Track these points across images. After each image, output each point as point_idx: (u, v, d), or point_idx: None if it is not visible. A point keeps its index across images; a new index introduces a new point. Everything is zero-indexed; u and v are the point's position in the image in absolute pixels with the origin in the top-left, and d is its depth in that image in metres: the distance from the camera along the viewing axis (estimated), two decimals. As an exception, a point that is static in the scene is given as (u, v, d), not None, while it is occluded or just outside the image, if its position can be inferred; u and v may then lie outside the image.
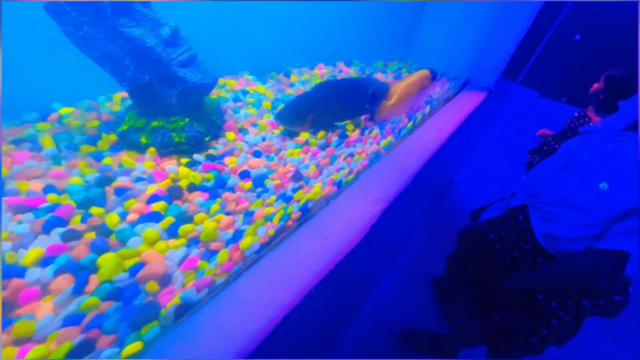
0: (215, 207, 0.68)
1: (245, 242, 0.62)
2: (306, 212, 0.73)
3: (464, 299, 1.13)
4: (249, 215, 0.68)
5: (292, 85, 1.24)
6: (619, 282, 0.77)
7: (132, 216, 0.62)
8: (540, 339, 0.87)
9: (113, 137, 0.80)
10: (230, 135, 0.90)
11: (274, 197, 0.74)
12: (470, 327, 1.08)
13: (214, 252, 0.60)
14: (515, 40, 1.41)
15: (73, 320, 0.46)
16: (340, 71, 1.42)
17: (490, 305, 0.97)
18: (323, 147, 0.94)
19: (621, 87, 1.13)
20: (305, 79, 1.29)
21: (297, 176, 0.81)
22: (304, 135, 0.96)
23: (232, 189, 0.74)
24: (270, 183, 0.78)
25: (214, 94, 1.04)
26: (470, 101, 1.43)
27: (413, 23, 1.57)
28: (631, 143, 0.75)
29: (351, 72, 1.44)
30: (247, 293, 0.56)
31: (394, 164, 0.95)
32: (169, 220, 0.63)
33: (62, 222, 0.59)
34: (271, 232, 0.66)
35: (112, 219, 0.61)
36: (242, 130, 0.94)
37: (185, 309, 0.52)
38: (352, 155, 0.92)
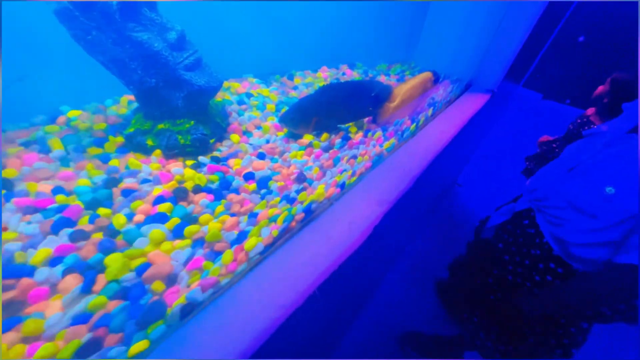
0: (220, 208, 0.69)
1: (250, 243, 0.62)
2: (310, 214, 0.74)
3: (476, 309, 1.12)
4: (253, 216, 0.69)
5: (295, 87, 1.25)
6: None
7: (139, 217, 0.63)
8: (564, 351, 0.87)
9: (120, 140, 0.81)
10: (235, 137, 0.91)
11: (277, 199, 0.75)
12: (481, 336, 1.07)
13: (219, 253, 0.61)
14: (519, 42, 1.42)
15: (81, 319, 0.47)
16: (344, 74, 1.43)
17: (507, 326, 0.96)
18: (326, 149, 0.94)
19: (627, 90, 1.12)
20: (309, 82, 1.30)
21: (300, 178, 0.81)
22: (308, 138, 0.97)
23: (237, 191, 0.75)
24: (274, 185, 0.78)
25: (219, 96, 1.05)
26: (473, 103, 1.43)
27: (416, 25, 1.58)
28: (636, 146, 0.74)
29: (354, 75, 1.45)
30: (251, 293, 0.56)
31: (397, 166, 0.95)
32: (175, 221, 0.64)
33: (71, 222, 0.60)
34: (275, 233, 0.66)
35: (119, 220, 0.62)
36: (246, 133, 0.95)
37: (190, 309, 0.52)
38: (355, 157, 0.93)
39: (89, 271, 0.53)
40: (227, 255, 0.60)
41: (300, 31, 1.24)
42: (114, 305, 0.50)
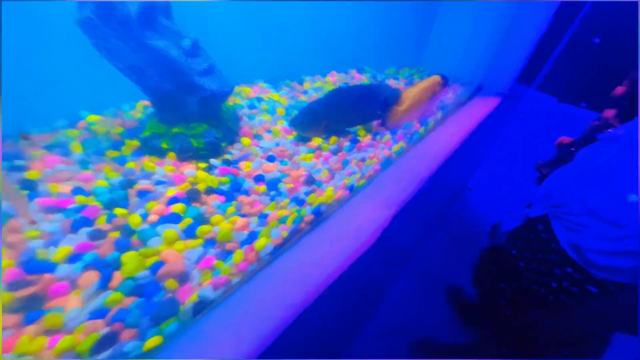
0: (231, 209, 0.71)
1: (260, 243, 0.63)
2: (319, 215, 0.75)
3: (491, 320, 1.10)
4: (263, 217, 0.70)
5: (305, 92, 1.27)
6: None
7: (153, 217, 0.66)
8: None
9: (136, 143, 0.84)
10: (246, 140, 0.93)
11: (287, 200, 0.76)
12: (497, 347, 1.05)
13: (230, 253, 0.62)
14: (530, 44, 1.40)
15: (99, 313, 0.49)
16: (353, 78, 1.45)
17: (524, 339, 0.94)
18: (335, 152, 0.95)
19: None
20: (318, 86, 1.32)
21: (309, 180, 0.82)
22: (317, 141, 0.98)
23: (247, 192, 0.77)
24: (283, 187, 0.80)
25: (230, 101, 1.08)
26: (483, 107, 1.42)
27: (424, 29, 1.58)
28: None
29: (363, 79, 1.46)
30: (261, 293, 0.57)
31: (406, 169, 0.95)
32: (188, 221, 0.66)
33: (89, 222, 0.62)
34: (285, 234, 0.67)
35: (135, 220, 0.64)
36: (256, 136, 0.97)
37: (202, 307, 0.54)
38: (363, 160, 0.93)
39: (106, 268, 0.55)
40: (238, 255, 0.61)
41: (309, 36, 1.27)
42: (130, 301, 0.52)
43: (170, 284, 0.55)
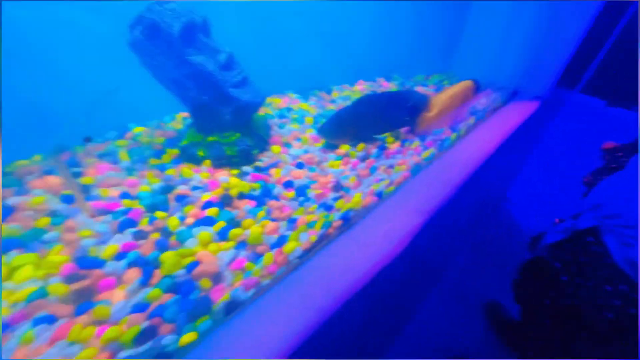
0: (261, 213, 0.73)
1: (289, 246, 0.65)
2: (347, 221, 0.75)
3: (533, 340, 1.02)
4: (292, 222, 0.72)
5: (333, 101, 1.29)
6: None
7: (190, 220, 0.69)
8: None
9: (175, 152, 0.90)
10: (276, 148, 0.96)
11: (315, 206, 0.77)
12: None
13: (260, 255, 0.64)
14: (573, 44, 1.31)
15: (140, 308, 0.52)
16: (380, 86, 1.45)
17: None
18: (363, 159, 0.95)
19: None
20: (346, 95, 1.34)
21: (337, 186, 0.83)
22: (344, 148, 0.99)
23: (277, 198, 0.79)
24: (311, 193, 0.81)
25: (262, 111, 1.12)
26: (519, 112, 1.35)
27: (454, 33, 1.55)
28: None
29: (391, 87, 1.46)
30: (290, 295, 0.58)
31: (437, 176, 0.93)
32: (221, 224, 0.69)
33: (134, 223, 0.67)
34: (313, 238, 0.68)
35: (173, 222, 0.68)
36: (286, 144, 1.00)
37: (234, 306, 0.55)
38: (392, 166, 0.92)
39: (148, 266, 0.59)
40: (268, 258, 0.62)
41: (337, 46, 1.30)
42: (168, 298, 0.55)
43: (205, 283, 0.58)
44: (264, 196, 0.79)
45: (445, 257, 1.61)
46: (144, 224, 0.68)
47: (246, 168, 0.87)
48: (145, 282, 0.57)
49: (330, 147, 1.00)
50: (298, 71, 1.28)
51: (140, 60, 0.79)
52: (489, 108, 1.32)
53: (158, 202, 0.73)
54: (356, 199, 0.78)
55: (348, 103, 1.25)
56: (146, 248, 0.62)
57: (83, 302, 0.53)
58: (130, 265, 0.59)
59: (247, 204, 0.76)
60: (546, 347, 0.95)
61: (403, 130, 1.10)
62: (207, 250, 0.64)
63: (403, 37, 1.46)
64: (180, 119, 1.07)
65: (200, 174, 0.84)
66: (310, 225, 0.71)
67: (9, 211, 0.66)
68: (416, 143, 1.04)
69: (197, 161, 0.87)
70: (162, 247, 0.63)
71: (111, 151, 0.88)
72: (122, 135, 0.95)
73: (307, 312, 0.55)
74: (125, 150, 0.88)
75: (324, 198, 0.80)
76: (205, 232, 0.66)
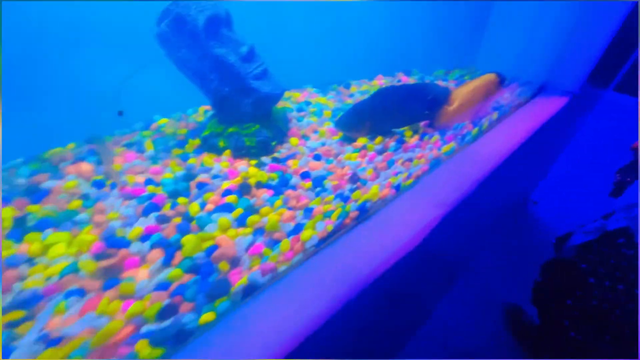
0: (278, 202, 0.74)
1: (305, 234, 0.65)
2: (364, 212, 0.74)
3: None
4: (308, 211, 0.72)
5: (351, 95, 1.29)
6: None
7: (210, 206, 0.71)
8: None
9: (197, 142, 0.93)
10: (294, 140, 0.97)
11: (331, 196, 0.77)
12: None
13: (277, 242, 0.65)
14: (605, 38, 1.25)
15: (162, 286, 0.55)
16: (399, 81, 1.43)
17: None
18: (380, 152, 0.94)
19: None
20: (365, 90, 1.33)
21: (354, 178, 0.83)
22: (362, 141, 0.98)
23: (294, 188, 0.80)
24: (328, 184, 0.81)
25: (281, 105, 1.14)
26: (547, 107, 1.29)
27: (478, 26, 1.50)
28: None
29: (410, 82, 1.43)
30: (306, 281, 0.58)
31: (457, 170, 0.91)
32: (239, 211, 0.70)
33: (157, 208, 0.70)
34: (330, 227, 0.68)
35: (194, 208, 0.70)
36: (304, 137, 1.01)
37: (251, 289, 0.56)
38: (410, 160, 0.91)
39: (170, 248, 0.61)
40: (285, 244, 0.63)
41: (356, 41, 1.29)
42: (188, 278, 0.57)
43: (223, 265, 0.59)
44: (281, 186, 0.80)
45: (466, 257, 1.57)
46: (166, 209, 0.70)
47: (265, 159, 0.89)
48: (167, 263, 0.59)
49: (348, 140, 1.00)
50: (317, 66, 1.28)
51: (166, 52, 0.82)
52: (514, 103, 1.27)
53: (180, 189, 0.76)
54: (373, 190, 0.78)
55: (366, 97, 1.24)
56: (168, 231, 0.65)
57: (110, 278, 0.55)
58: (154, 246, 0.61)
59: (264, 193, 0.77)
60: (562, 347, 0.90)
61: (422, 124, 1.08)
62: (225, 235, 0.65)
63: (424, 31, 1.43)
64: (202, 112, 1.10)
65: (220, 163, 0.86)
66: (326, 215, 0.71)
67: (44, 193, 0.71)
68: (436, 137, 1.02)
69: (217, 151, 0.90)
70: (183, 230, 0.65)
71: (137, 141, 0.92)
72: (148, 127, 1.00)
73: (322, 299, 0.55)
74: (150, 140, 0.92)
75: (341, 189, 0.80)
76: (224, 218, 0.67)
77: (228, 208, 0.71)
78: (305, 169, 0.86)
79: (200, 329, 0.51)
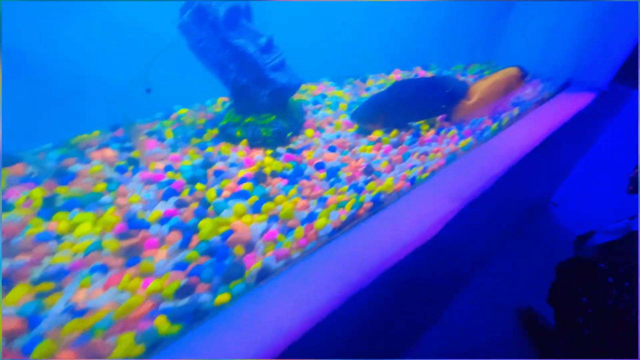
0: (293, 191, 0.75)
1: (319, 223, 0.66)
2: (378, 204, 0.74)
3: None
4: (322, 200, 0.73)
5: (368, 89, 1.28)
6: None
7: (226, 193, 0.73)
8: None
9: (215, 132, 0.95)
10: (309, 132, 0.97)
11: (345, 187, 0.77)
12: None
13: (291, 229, 0.66)
14: (635, 34, 1.19)
15: (180, 266, 0.56)
16: (417, 76, 1.41)
17: None
18: (396, 145, 0.94)
19: None
20: (381, 84, 1.32)
21: (368, 170, 0.83)
22: (377, 134, 0.98)
23: (308, 178, 0.80)
24: (342, 175, 0.81)
25: (297, 97, 1.14)
26: (572, 104, 1.24)
27: (499, 20, 1.46)
28: None
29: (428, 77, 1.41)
30: (319, 268, 0.59)
31: (474, 165, 0.89)
32: (254, 198, 0.72)
33: (176, 193, 0.72)
34: (343, 217, 0.68)
35: (211, 194, 0.72)
36: (319, 129, 1.02)
37: (265, 274, 0.58)
38: (426, 153, 0.90)
39: (187, 231, 0.63)
40: (299, 232, 0.64)
41: (373, 34, 1.28)
42: (204, 260, 0.59)
43: (238, 250, 0.61)
44: (296, 175, 0.81)
45: (482, 257, 1.54)
46: (184, 195, 0.72)
47: (280, 149, 0.90)
48: (184, 245, 0.61)
49: (363, 132, 1.00)
50: (334, 59, 1.28)
51: (188, 43, 0.84)
52: (537, 99, 1.23)
53: (198, 176, 0.78)
54: (388, 182, 0.77)
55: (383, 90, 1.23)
56: (186, 215, 0.67)
57: (131, 257, 0.58)
58: (172, 229, 0.63)
59: (279, 182, 0.78)
60: (576, 347, 0.88)
61: (439, 118, 1.06)
62: (241, 221, 0.67)
63: (442, 25, 1.40)
64: (220, 103, 1.12)
65: (237, 152, 0.88)
66: (340, 205, 0.72)
67: (72, 176, 0.74)
68: (453, 132, 1.00)
69: (234, 140, 0.91)
70: (201, 215, 0.67)
71: (158, 130, 0.95)
72: (168, 116, 1.03)
73: (334, 286, 0.56)
74: (170, 129, 0.95)
75: (355, 180, 0.80)
76: (240, 204, 0.69)
77: (244, 195, 0.73)
78: (320, 160, 0.86)
79: (215, 309, 0.52)
